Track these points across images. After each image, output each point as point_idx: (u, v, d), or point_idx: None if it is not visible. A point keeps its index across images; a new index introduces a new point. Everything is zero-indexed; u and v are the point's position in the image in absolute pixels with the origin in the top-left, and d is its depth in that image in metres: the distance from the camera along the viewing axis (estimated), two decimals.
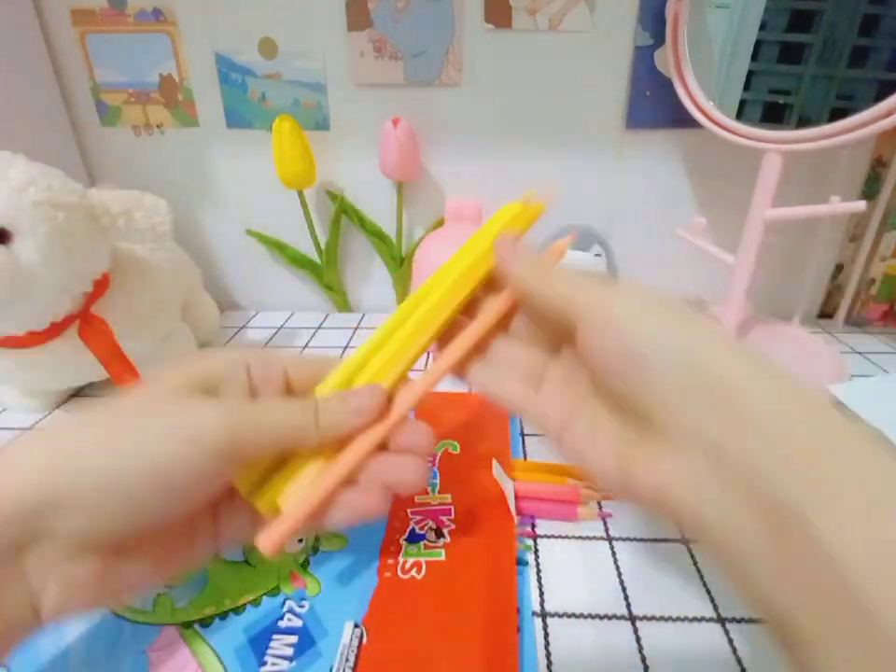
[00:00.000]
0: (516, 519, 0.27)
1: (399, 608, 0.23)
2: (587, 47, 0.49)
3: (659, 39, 0.48)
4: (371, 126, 0.51)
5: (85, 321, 0.36)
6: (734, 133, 0.42)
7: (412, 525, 0.27)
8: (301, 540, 0.27)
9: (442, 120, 0.52)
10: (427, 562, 0.25)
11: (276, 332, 0.56)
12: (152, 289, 0.42)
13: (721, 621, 0.24)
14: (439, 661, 0.21)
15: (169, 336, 0.45)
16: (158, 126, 0.54)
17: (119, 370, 0.38)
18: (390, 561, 0.25)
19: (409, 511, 0.28)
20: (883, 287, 0.54)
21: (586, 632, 0.24)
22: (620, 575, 0.26)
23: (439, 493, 0.29)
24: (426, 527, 0.27)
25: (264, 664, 0.21)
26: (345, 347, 0.52)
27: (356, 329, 0.56)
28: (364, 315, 0.60)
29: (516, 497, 0.28)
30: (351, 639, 0.22)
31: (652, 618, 0.24)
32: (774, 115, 0.45)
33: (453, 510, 0.28)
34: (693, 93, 0.44)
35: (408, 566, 0.25)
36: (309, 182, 0.52)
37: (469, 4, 0.47)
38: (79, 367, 0.38)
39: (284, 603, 0.24)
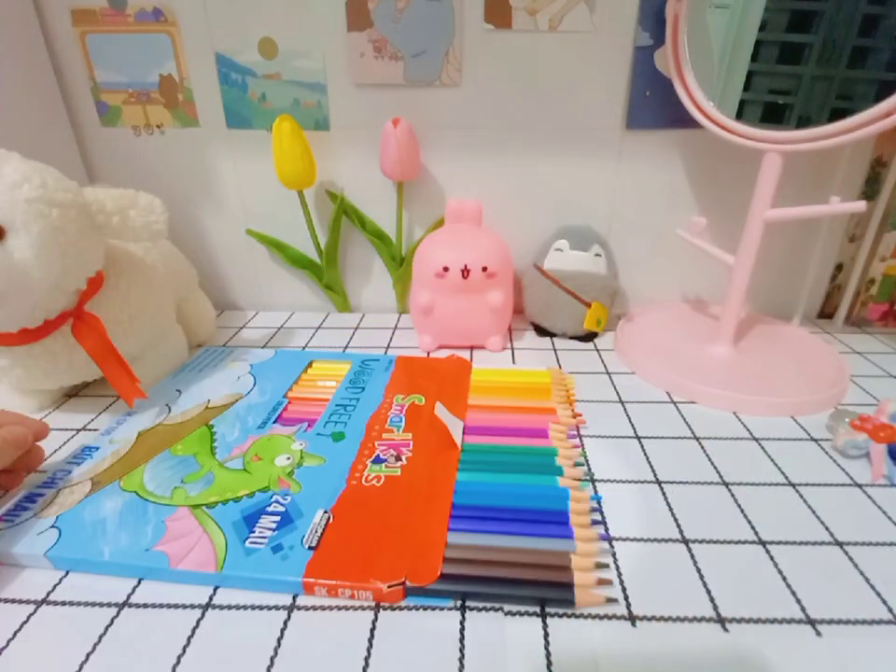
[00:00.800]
0: (460, 446, 0.35)
1: (360, 503, 0.30)
2: (587, 47, 0.49)
3: (659, 39, 0.48)
4: (371, 126, 0.51)
5: (79, 319, 0.36)
6: (734, 133, 0.42)
7: (377, 451, 0.34)
8: (288, 458, 0.34)
9: (442, 120, 0.52)
10: (385, 476, 0.32)
11: (276, 332, 0.56)
12: (147, 288, 0.42)
13: (721, 621, 0.24)
14: (385, 538, 0.27)
15: (162, 336, 0.45)
16: (158, 126, 0.54)
17: (113, 368, 0.38)
18: (356, 474, 0.32)
19: (376, 443, 0.35)
20: (883, 287, 0.54)
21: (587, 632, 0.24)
22: (620, 575, 0.26)
23: (403, 432, 0.36)
24: (388, 454, 0.34)
25: (253, 532, 0.28)
26: (345, 347, 0.52)
27: (356, 329, 0.56)
28: (364, 315, 0.60)
29: (478, 430, 0.37)
30: (320, 519, 0.28)
31: (652, 618, 0.24)
32: (774, 115, 0.45)
33: (412, 443, 0.35)
34: (693, 93, 0.45)
35: (370, 477, 0.32)
36: (309, 182, 0.52)
37: (469, 4, 0.47)
38: (73, 365, 0.38)
39: (272, 497, 0.30)
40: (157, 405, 0.40)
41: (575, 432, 0.37)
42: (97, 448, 0.35)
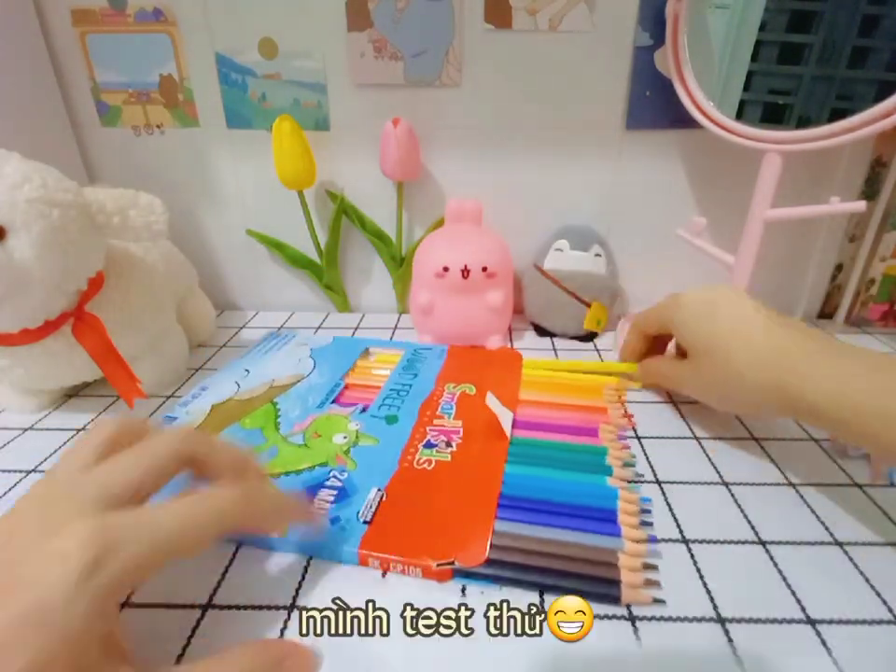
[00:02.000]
0: (510, 438, 0.35)
1: (412, 484, 0.31)
2: (587, 47, 0.49)
3: (659, 39, 0.48)
4: (371, 126, 0.51)
5: (79, 319, 0.36)
6: (733, 133, 0.42)
7: (428, 437, 0.35)
8: (345, 437, 0.35)
9: (442, 120, 0.52)
10: (436, 460, 0.33)
11: (276, 332, 0.55)
12: (147, 288, 0.42)
13: (722, 621, 0.24)
14: (434, 520, 0.28)
15: (162, 336, 0.45)
16: (158, 126, 0.54)
17: (114, 368, 0.38)
18: (409, 456, 0.33)
19: (427, 428, 0.36)
20: (883, 287, 0.54)
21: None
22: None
23: (453, 419, 0.37)
24: (439, 439, 0.35)
25: (313, 503, 0.29)
26: None
27: (356, 329, 0.56)
28: (364, 315, 0.60)
29: (528, 425, 0.37)
30: (374, 497, 0.30)
31: (652, 618, 0.24)
32: (774, 115, 0.45)
33: (461, 430, 0.36)
34: (693, 93, 0.45)
35: (422, 461, 0.33)
36: (309, 182, 0.52)
37: (469, 4, 0.47)
38: (73, 365, 0.38)
39: (330, 472, 0.32)
40: (229, 381, 0.43)
41: (624, 433, 0.37)
42: (175, 418, 0.38)
